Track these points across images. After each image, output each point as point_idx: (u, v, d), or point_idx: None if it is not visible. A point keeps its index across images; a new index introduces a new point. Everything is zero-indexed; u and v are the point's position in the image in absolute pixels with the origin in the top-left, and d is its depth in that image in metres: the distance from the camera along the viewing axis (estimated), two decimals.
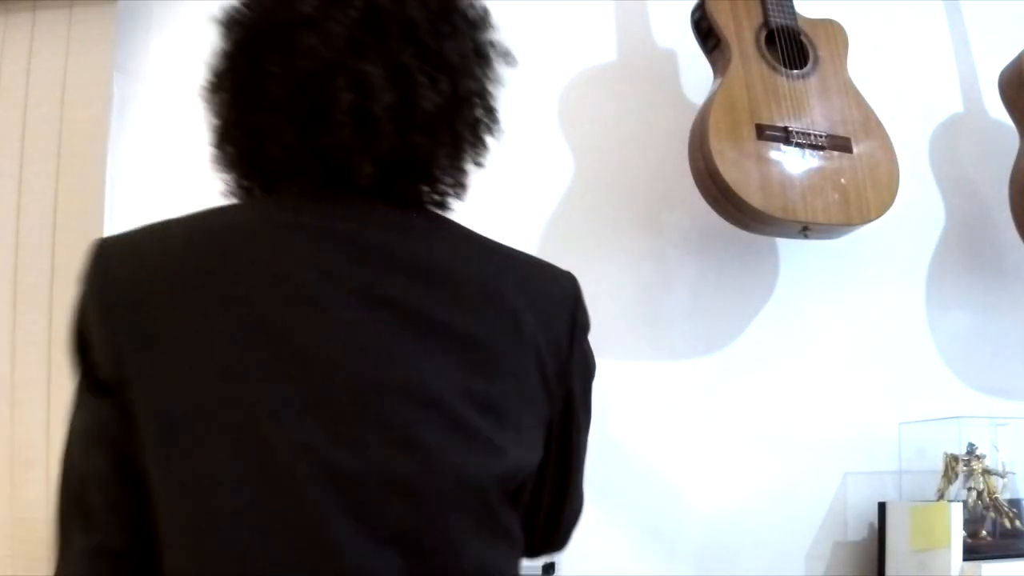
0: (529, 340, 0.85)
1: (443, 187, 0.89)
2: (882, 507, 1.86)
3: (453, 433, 0.79)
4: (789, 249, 1.97)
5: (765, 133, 1.73)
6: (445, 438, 0.79)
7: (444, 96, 0.83)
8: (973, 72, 2.14)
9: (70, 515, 0.78)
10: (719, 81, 1.78)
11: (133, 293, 0.77)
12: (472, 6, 0.88)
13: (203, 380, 0.76)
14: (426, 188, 0.88)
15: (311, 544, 0.75)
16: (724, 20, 1.80)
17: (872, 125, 1.83)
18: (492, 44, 0.89)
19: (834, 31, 1.89)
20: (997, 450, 1.82)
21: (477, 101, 0.87)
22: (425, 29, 0.83)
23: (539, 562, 1.75)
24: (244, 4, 0.86)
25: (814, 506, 1.92)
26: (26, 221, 1.73)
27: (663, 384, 1.89)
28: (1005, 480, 1.79)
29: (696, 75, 1.93)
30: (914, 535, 1.75)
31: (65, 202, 1.73)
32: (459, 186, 0.90)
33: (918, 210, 2.04)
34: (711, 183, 1.72)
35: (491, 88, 0.89)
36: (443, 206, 0.91)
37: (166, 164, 1.79)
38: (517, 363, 0.84)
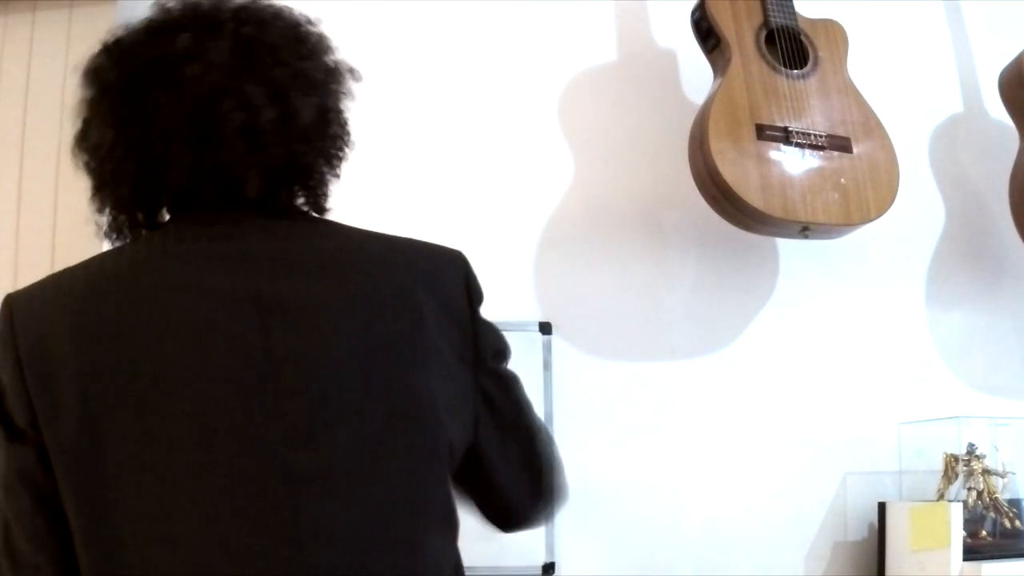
0: (428, 315, 0.90)
1: (319, 195, 0.96)
2: (882, 507, 1.86)
3: (362, 422, 0.85)
4: (789, 249, 1.97)
5: (765, 133, 1.73)
6: (354, 429, 0.84)
7: (315, 109, 0.91)
8: (973, 72, 2.14)
9: (2, 559, 0.84)
10: (719, 81, 1.78)
11: (38, 344, 0.83)
12: (311, 32, 0.96)
13: (102, 419, 0.81)
14: (302, 198, 0.96)
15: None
16: (724, 20, 1.80)
17: (872, 125, 1.83)
18: (338, 63, 0.97)
19: (834, 31, 1.89)
20: (997, 450, 1.82)
21: (334, 116, 0.95)
22: (287, 52, 0.91)
23: (539, 562, 1.75)
24: (109, 50, 0.93)
25: (814, 506, 1.92)
26: (26, 221, 1.73)
27: (663, 384, 1.89)
28: (1005, 480, 1.79)
29: (696, 75, 1.93)
30: (914, 535, 1.75)
31: (65, 202, 1.73)
32: (328, 196, 0.98)
33: (918, 210, 2.04)
34: (711, 183, 1.72)
35: (344, 103, 0.97)
36: (322, 213, 0.98)
37: None
38: (421, 338, 0.89)
